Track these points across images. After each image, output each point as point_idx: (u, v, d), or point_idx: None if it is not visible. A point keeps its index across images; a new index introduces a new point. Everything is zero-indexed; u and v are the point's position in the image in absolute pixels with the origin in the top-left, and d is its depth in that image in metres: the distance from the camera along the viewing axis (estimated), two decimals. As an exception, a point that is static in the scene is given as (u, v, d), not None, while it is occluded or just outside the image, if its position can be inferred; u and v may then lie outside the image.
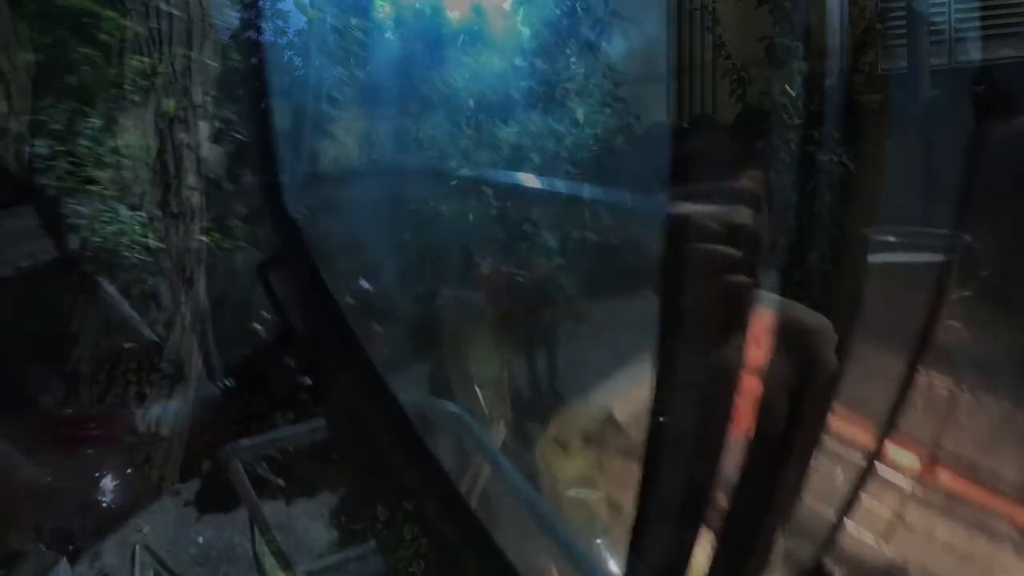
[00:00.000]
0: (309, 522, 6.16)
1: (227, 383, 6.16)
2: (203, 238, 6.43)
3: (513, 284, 7.62)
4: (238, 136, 5.93)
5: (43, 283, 6.53)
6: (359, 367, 0.69)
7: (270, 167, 1.09)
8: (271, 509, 6.37)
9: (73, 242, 5.98)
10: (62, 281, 6.12)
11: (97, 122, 5.99)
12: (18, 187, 5.81)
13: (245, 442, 1.86)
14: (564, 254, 9.92)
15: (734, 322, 0.78)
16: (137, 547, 3.43)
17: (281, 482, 6.57)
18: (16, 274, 6.90)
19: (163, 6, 4.95)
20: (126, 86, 5.58)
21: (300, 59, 7.60)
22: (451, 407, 1.94)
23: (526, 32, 10.00)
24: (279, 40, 6.94)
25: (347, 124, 10.98)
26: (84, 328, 6.45)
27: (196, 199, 6.14)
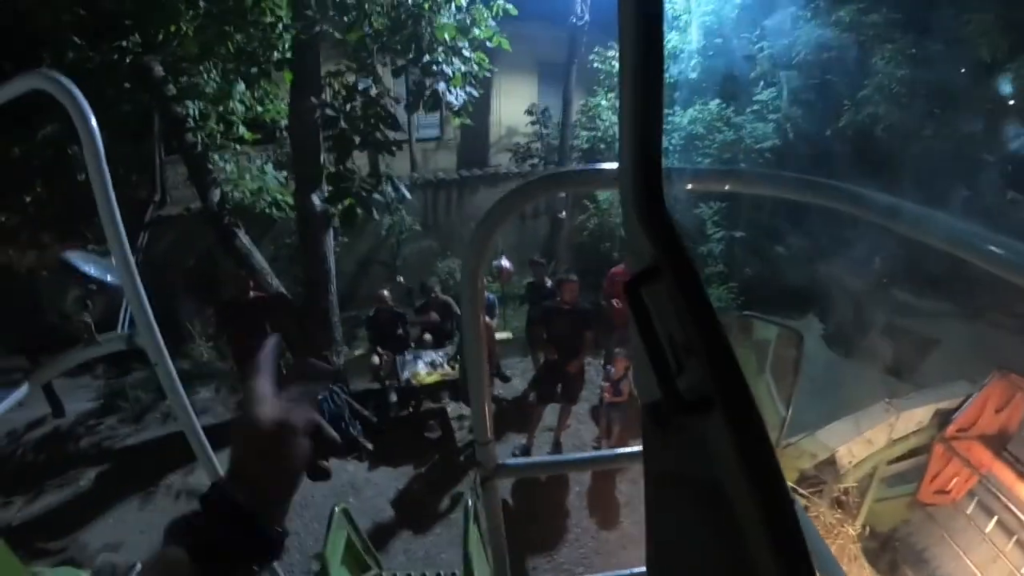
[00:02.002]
0: (379, 490, 6.27)
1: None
2: (328, 205, 6.65)
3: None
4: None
5: (195, 227, 7.27)
6: (740, 406, 0.53)
7: (652, 155, 0.81)
8: (353, 468, 6.64)
9: (215, 195, 6.51)
10: (208, 227, 6.72)
11: (244, 87, 6.37)
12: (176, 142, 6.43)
13: (511, 462, 1.82)
14: (725, 259, 9.01)
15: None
16: (336, 509, 3.74)
17: (369, 446, 6.76)
18: (184, 213, 7.76)
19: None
20: (267, 54, 5.84)
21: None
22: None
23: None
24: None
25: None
26: (222, 272, 7.09)
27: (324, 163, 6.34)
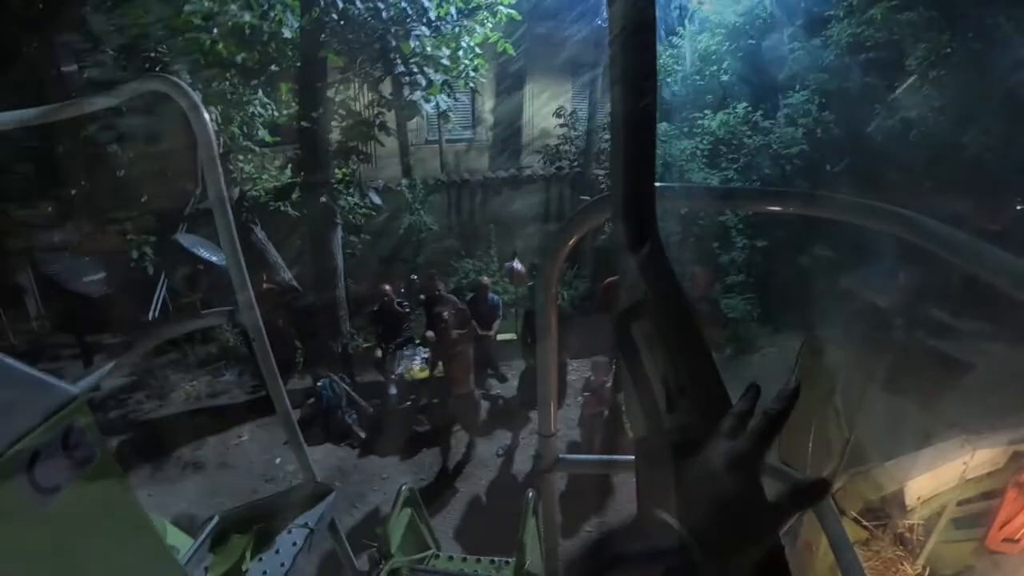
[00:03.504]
0: (365, 477, 6.54)
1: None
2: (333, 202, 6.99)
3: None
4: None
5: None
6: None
7: (645, 192, 0.81)
8: (344, 454, 6.97)
9: (233, 193, 7.02)
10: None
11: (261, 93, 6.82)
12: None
13: (570, 457, 2.04)
14: (746, 269, 8.69)
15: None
16: (403, 487, 4.10)
17: (362, 434, 7.09)
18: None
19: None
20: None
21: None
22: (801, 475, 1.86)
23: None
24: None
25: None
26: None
27: (329, 165, 6.69)
